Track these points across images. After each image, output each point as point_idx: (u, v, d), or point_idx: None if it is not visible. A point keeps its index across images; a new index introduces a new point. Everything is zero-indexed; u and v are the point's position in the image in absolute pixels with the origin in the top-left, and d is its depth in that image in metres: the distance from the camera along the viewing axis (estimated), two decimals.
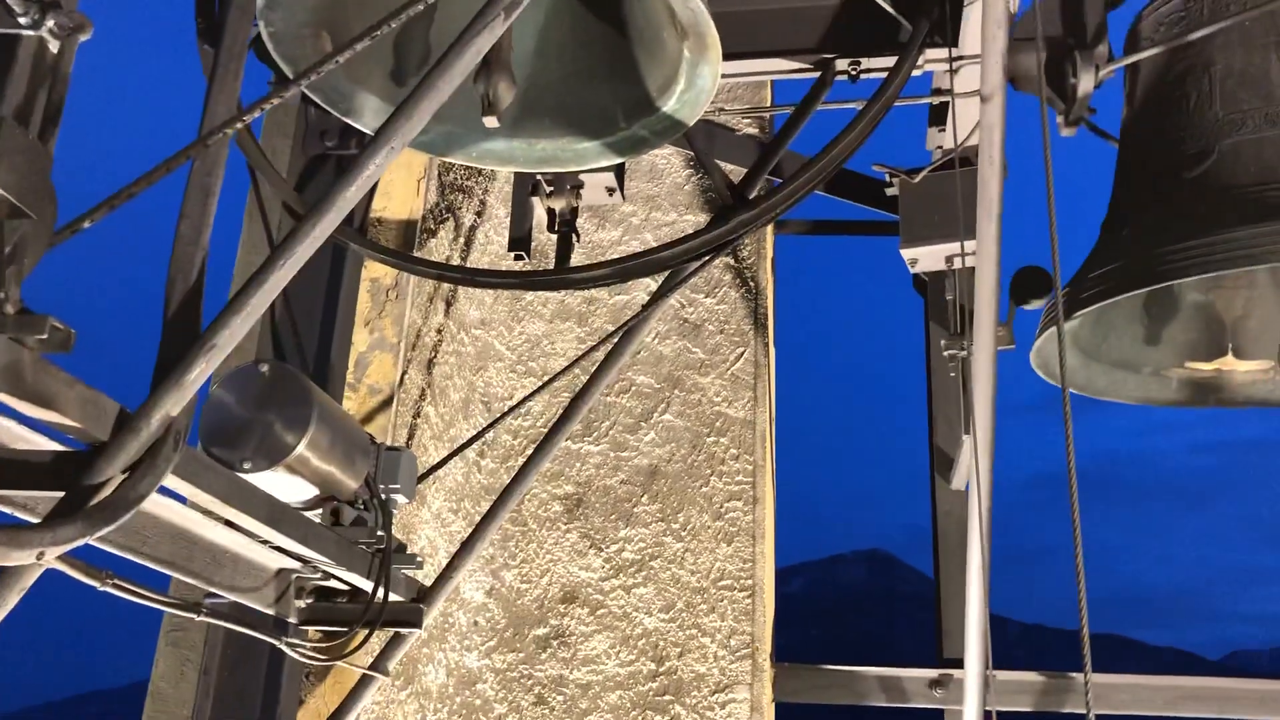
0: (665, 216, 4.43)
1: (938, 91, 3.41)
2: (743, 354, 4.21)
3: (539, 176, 3.12)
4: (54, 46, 1.61)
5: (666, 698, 3.73)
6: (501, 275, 2.83)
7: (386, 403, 3.20)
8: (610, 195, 3.13)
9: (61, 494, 1.53)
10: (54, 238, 1.51)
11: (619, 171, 3.11)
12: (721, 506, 4.00)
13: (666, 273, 3.30)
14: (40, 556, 1.43)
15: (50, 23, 1.58)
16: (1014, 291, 3.26)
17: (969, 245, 3.17)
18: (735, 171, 4.07)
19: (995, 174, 2.78)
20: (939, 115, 3.71)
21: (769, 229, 4.49)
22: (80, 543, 1.48)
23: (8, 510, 1.58)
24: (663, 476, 4.05)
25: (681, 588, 3.88)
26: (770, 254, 4.49)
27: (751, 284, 4.32)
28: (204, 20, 2.64)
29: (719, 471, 4.05)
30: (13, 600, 1.61)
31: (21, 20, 1.56)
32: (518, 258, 3.15)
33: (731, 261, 4.32)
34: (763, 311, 4.30)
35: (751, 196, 2.84)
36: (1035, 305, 3.25)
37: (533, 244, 3.21)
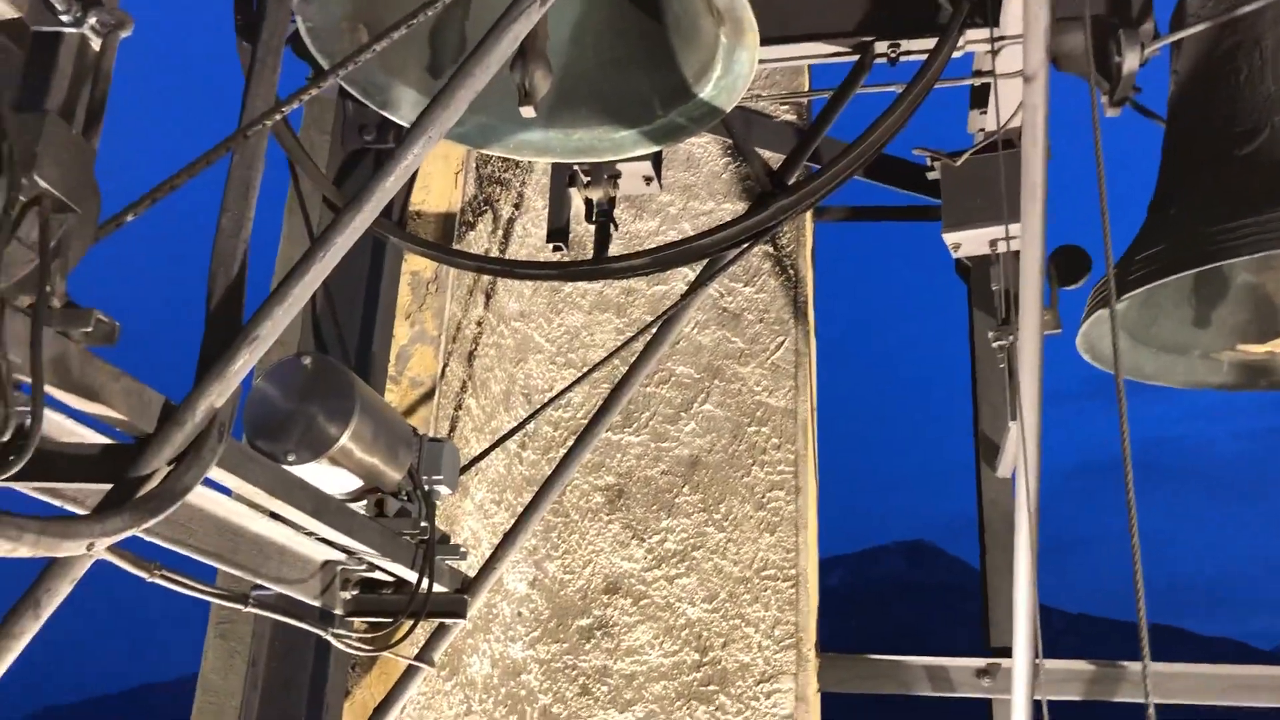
0: (703, 205, 4.41)
1: (979, 73, 3.36)
2: (783, 343, 4.18)
3: (576, 167, 3.11)
4: (96, 44, 1.62)
5: (711, 688, 3.72)
6: (539, 266, 2.82)
7: (428, 395, 3.21)
8: (648, 184, 3.12)
9: (109, 486, 1.54)
10: (98, 232, 1.52)
11: (656, 160, 3.10)
12: (763, 496, 3.98)
13: (705, 261, 3.29)
14: (90, 548, 1.45)
15: (92, 20, 1.60)
16: (1054, 272, 3.21)
17: (1013, 229, 3.12)
18: (774, 159, 4.05)
19: (1039, 155, 2.73)
20: (980, 97, 3.66)
21: (808, 216, 4.46)
22: (128, 534, 1.49)
23: (57, 503, 1.60)
24: (704, 467, 4.03)
25: (724, 578, 3.86)
26: (810, 241, 4.46)
27: (791, 272, 4.29)
28: (242, 16, 2.66)
29: (760, 461, 4.03)
30: (64, 590, 1.63)
31: (64, 18, 1.58)
32: (556, 249, 3.15)
33: (770, 250, 4.30)
34: (803, 300, 4.27)
35: (790, 183, 2.81)
36: (1076, 286, 3.19)
37: (571, 235, 3.21)
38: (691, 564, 3.91)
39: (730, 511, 3.97)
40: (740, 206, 4.31)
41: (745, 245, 2.88)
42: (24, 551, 1.35)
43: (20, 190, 1.35)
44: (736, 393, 4.12)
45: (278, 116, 1.63)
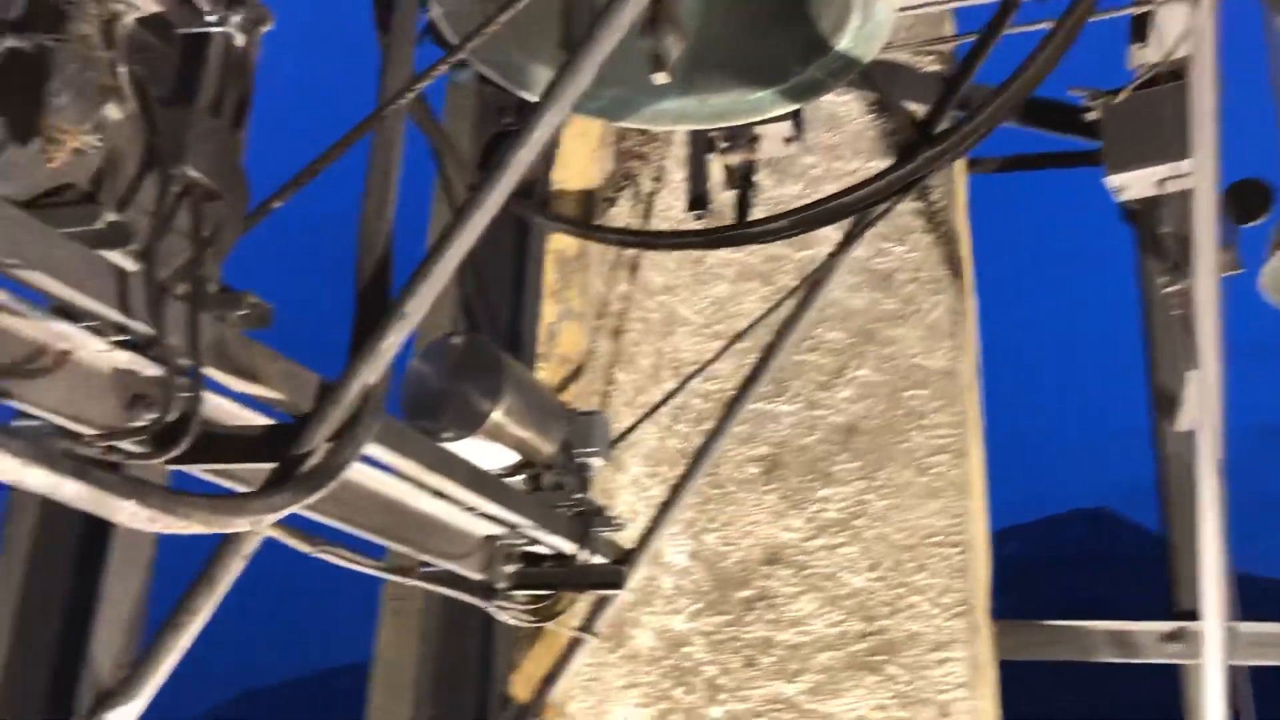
0: (847, 165, 4.29)
1: (1139, 1, 3.16)
2: (939, 302, 4.04)
3: (714, 133, 3.07)
4: (239, 40, 1.68)
5: (879, 658, 3.64)
6: (681, 236, 2.80)
7: (578, 371, 3.24)
8: (788, 145, 3.06)
9: (273, 465, 1.60)
10: (248, 220, 1.58)
11: (796, 119, 3.03)
12: (925, 461, 3.86)
13: (852, 221, 3.20)
14: (256, 524, 1.50)
15: (235, 18, 1.65)
16: (1232, 207, 2.99)
17: (1183, 165, 2.92)
18: (920, 113, 3.90)
19: (1210, 84, 2.55)
20: (1140, 28, 3.43)
21: (961, 169, 4.29)
22: (292, 510, 1.55)
23: (225, 483, 1.67)
24: (861, 433, 3.94)
25: (888, 546, 3.77)
26: (963, 195, 4.29)
27: (944, 228, 4.13)
28: (377, 2, 2.72)
29: (920, 426, 3.90)
30: (237, 566, 1.70)
31: (209, 19, 1.64)
32: (697, 217, 3.12)
33: (921, 206, 4.15)
34: (958, 256, 4.11)
35: (937, 132, 2.71)
36: (1257, 222, 2.97)
37: (712, 203, 3.17)
38: (853, 533, 3.82)
39: (891, 478, 3.86)
40: (887, 164, 4.17)
41: (893, 199, 2.79)
42: (195, 528, 1.41)
43: (172, 181, 1.40)
44: (891, 356, 4.01)
45: (413, 93, 1.65)
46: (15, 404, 1.36)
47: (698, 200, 3.07)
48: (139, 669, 1.66)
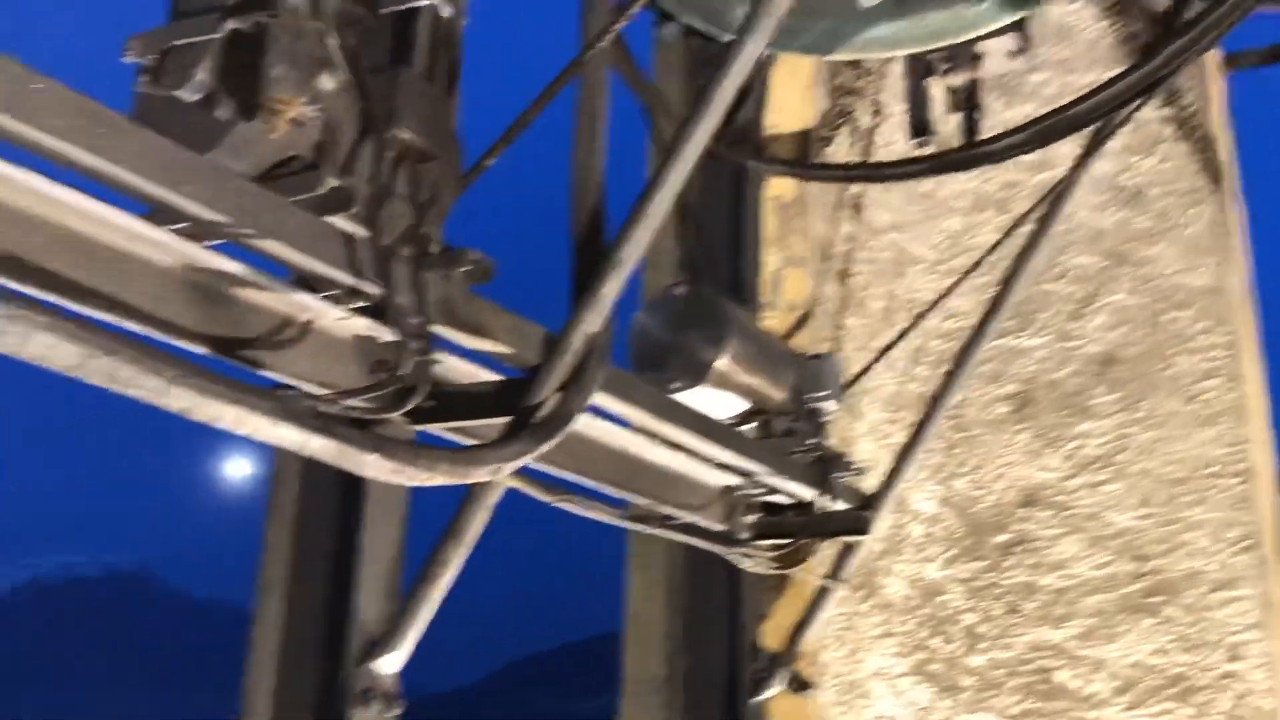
0: (1081, 79, 3.98)
1: None
2: (1199, 215, 3.70)
3: (933, 55, 2.92)
4: (446, 11, 1.72)
5: (1155, 599, 3.39)
6: (909, 164, 2.67)
7: (804, 319, 3.17)
8: (1014, 59, 2.86)
9: (507, 418, 1.63)
10: (464, 179, 1.61)
11: (1021, 31, 2.83)
12: (1193, 388, 3.55)
13: (1092, 132, 2.97)
14: (495, 473, 1.54)
15: None
16: None
17: None
18: (1161, 6, 3.56)
19: None
20: None
21: (1214, 65, 3.90)
22: (528, 459, 1.57)
23: (461, 440, 1.72)
24: (1119, 363, 3.66)
25: (1157, 480, 3.50)
26: (1220, 95, 3.90)
27: (1199, 134, 3.77)
28: None
29: (1186, 350, 3.59)
30: (482, 518, 1.75)
31: None
32: (920, 145, 2.97)
33: (1171, 112, 3.80)
34: (1218, 163, 3.74)
35: (1183, 22, 2.46)
36: None
37: (936, 132, 3.02)
38: (1116, 469, 3.57)
39: (1155, 408, 3.58)
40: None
41: (1138, 103, 2.56)
42: (438, 479, 1.45)
43: (388, 146, 1.45)
44: (1148, 278, 3.70)
45: (613, 33, 1.64)
46: (269, 374, 1.45)
47: (921, 127, 2.93)
48: (400, 619, 1.74)
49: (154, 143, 1.16)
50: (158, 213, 1.33)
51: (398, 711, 1.72)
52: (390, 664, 1.72)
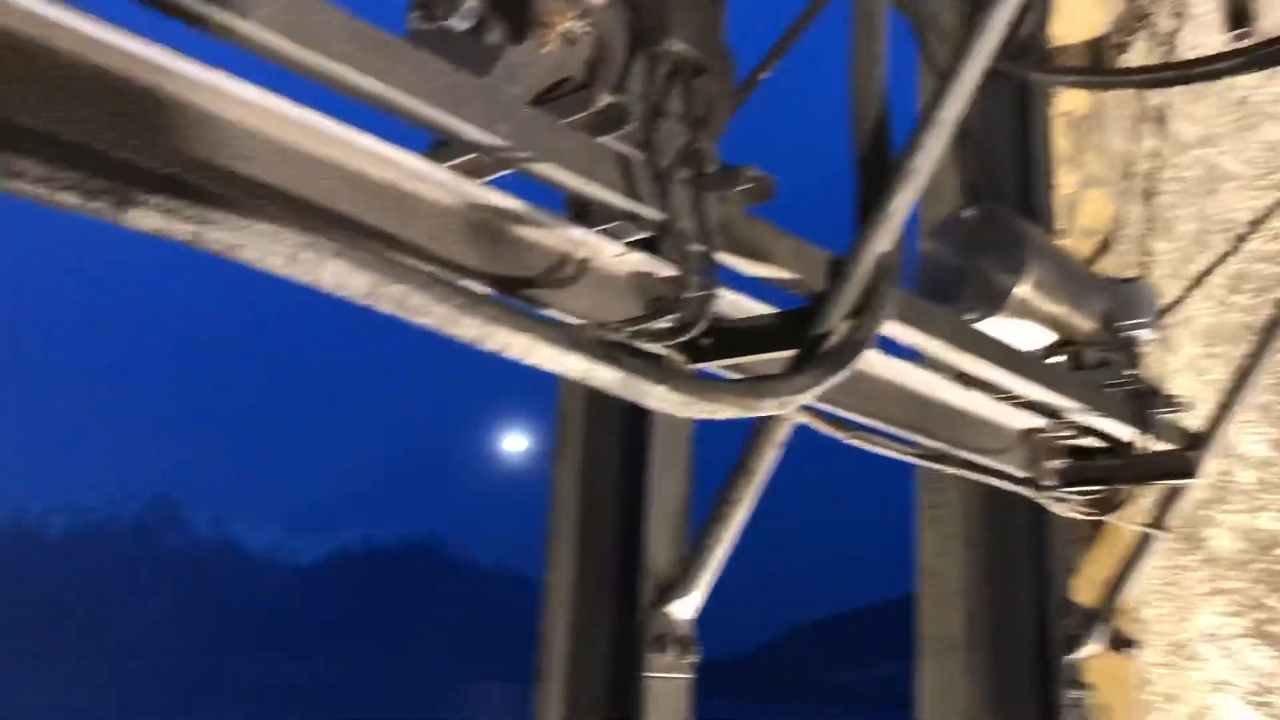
0: None
1: None
2: None
3: None
4: None
5: None
6: (1226, 59, 2.34)
7: (1106, 244, 2.87)
8: None
9: (794, 351, 1.53)
10: (737, 95, 1.52)
11: None
12: None
13: None
14: (785, 405, 1.44)
15: None
16: None
17: None
18: None
19: None
20: None
21: None
22: (817, 391, 1.46)
23: (741, 376, 1.63)
24: None
25: None
26: None
27: None
28: None
29: None
30: (771, 454, 1.66)
31: None
32: (1240, 38, 2.61)
33: None
34: None
35: None
36: None
37: (1257, 19, 2.65)
38: None
39: None
40: None
41: None
42: (725, 412, 1.37)
43: (660, 60, 1.37)
44: None
45: None
46: (551, 312, 1.41)
47: (1239, 15, 2.57)
48: (692, 561, 1.68)
49: (432, 65, 1.13)
50: (437, 151, 1.32)
51: (694, 658, 1.66)
52: (684, 608, 1.66)
